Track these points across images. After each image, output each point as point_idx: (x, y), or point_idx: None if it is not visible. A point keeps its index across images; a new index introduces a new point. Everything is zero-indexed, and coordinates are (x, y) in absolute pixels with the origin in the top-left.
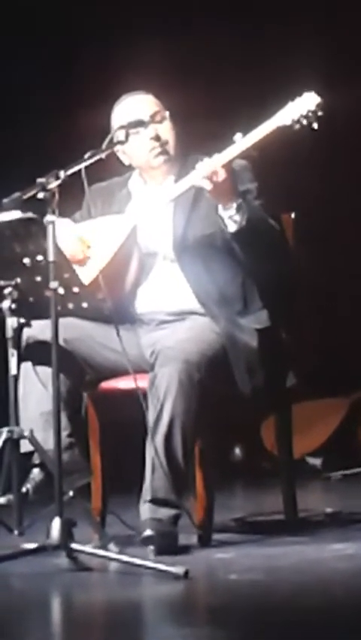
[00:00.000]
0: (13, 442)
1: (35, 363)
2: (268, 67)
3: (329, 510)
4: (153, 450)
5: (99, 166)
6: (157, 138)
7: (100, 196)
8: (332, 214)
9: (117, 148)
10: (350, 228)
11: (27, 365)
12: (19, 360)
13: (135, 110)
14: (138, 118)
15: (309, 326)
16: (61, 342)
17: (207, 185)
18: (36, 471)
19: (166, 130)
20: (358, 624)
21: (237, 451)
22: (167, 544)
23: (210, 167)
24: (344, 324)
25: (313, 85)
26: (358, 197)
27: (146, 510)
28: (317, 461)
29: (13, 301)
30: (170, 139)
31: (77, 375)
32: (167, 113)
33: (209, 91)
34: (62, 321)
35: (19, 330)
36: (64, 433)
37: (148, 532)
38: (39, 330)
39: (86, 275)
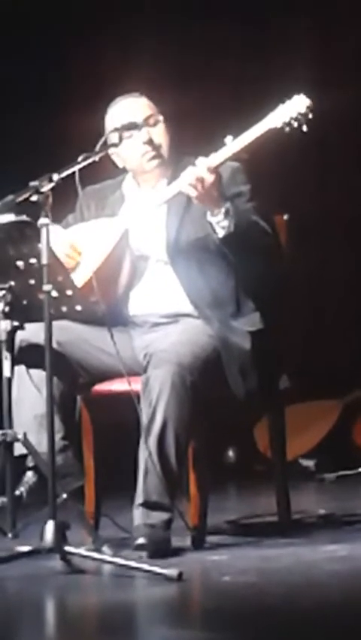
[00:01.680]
0: (6, 445)
1: (29, 366)
2: (260, 70)
3: (322, 512)
4: (147, 452)
5: (93, 168)
6: (150, 142)
7: (93, 198)
8: (323, 215)
9: (111, 150)
10: (341, 229)
11: (21, 368)
12: (13, 363)
13: (129, 112)
14: (131, 120)
15: (302, 328)
16: (54, 345)
17: (192, 193)
18: (30, 474)
19: (159, 133)
20: (352, 625)
21: (230, 453)
22: (160, 550)
23: (195, 175)
24: (338, 327)
25: (303, 88)
26: (349, 199)
27: (139, 515)
28: (310, 463)
29: (6, 304)
30: (163, 143)
31: (71, 377)
32: (160, 117)
33: (202, 93)
34: (55, 324)
35: (12, 333)
36: (57, 436)
37: (141, 540)
38: (32, 333)
39: (79, 277)
